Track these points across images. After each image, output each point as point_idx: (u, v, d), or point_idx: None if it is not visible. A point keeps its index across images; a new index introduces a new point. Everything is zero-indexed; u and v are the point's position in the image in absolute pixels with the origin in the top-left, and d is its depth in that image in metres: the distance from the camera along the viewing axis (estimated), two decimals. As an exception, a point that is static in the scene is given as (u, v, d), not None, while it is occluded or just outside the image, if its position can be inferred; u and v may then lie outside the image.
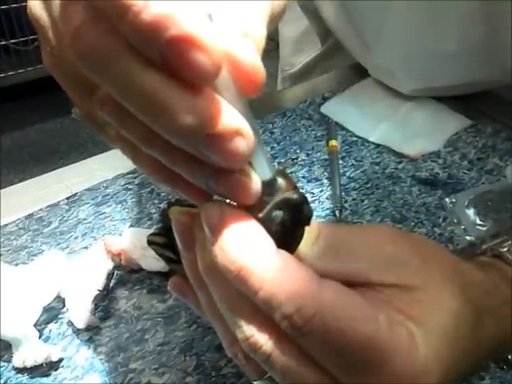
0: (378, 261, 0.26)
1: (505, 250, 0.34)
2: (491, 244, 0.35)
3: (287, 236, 0.25)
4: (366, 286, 0.26)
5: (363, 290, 0.26)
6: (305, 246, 0.26)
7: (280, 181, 0.24)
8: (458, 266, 0.29)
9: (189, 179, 0.24)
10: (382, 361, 0.24)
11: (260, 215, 0.24)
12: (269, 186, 0.24)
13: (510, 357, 0.36)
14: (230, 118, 0.20)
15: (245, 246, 0.23)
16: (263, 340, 0.25)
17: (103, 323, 0.43)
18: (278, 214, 0.24)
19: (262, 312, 0.24)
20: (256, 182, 0.23)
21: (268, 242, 0.24)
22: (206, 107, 0.20)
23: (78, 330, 0.42)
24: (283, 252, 0.24)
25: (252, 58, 0.20)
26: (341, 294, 0.24)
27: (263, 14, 0.23)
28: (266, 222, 0.24)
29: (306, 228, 0.26)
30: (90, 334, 0.43)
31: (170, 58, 0.18)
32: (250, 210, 0.24)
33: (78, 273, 0.44)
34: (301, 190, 0.25)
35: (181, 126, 0.19)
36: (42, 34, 0.25)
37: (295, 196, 0.24)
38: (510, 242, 0.34)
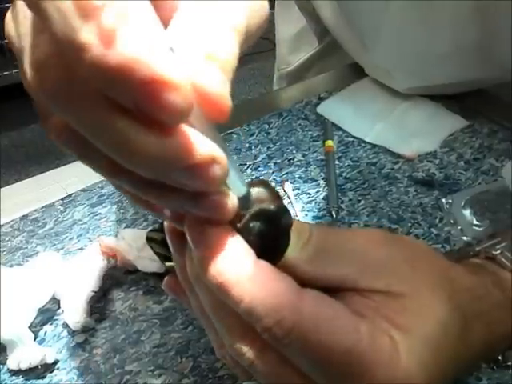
0: (367, 267, 0.26)
1: (498, 252, 0.34)
2: (485, 246, 0.35)
3: (268, 245, 0.25)
4: (354, 291, 0.26)
5: (351, 295, 0.26)
6: (294, 250, 0.26)
7: (259, 191, 0.25)
8: (449, 271, 0.29)
9: (162, 205, 0.24)
10: (362, 372, 0.24)
11: (238, 225, 0.24)
12: (246, 199, 0.24)
13: (499, 357, 0.36)
14: (204, 147, 0.19)
15: (225, 260, 0.23)
16: (245, 349, 0.25)
17: (99, 325, 0.43)
18: (255, 224, 0.24)
19: (245, 321, 0.24)
20: (232, 198, 0.23)
21: (247, 254, 0.24)
22: (180, 144, 0.19)
23: (74, 331, 0.42)
24: (263, 263, 0.24)
25: (217, 87, 0.19)
26: (320, 306, 0.24)
27: (235, 29, 0.21)
28: (244, 233, 0.24)
29: (296, 231, 0.26)
30: (86, 335, 0.42)
31: (141, 102, 0.17)
32: (230, 222, 0.24)
33: (74, 274, 0.44)
34: (283, 201, 0.25)
35: (156, 165, 0.19)
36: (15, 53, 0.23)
37: (271, 207, 0.24)
38: (503, 245, 0.34)
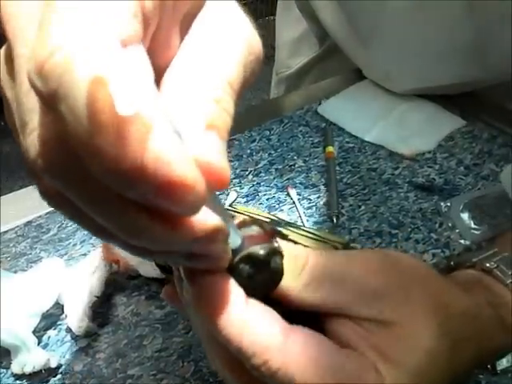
0: (360, 295, 0.27)
1: (494, 266, 0.34)
2: (481, 257, 0.35)
3: (259, 283, 0.25)
4: (348, 318, 0.27)
5: (345, 322, 0.27)
6: (290, 277, 0.26)
7: (251, 229, 0.25)
8: (443, 296, 0.29)
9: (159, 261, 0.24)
10: None
11: (230, 265, 0.25)
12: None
13: (489, 366, 0.36)
14: (210, 222, 0.20)
15: (215, 303, 0.24)
16: (234, 380, 0.26)
17: (101, 330, 0.44)
18: (244, 267, 0.25)
19: (234, 355, 0.25)
20: (228, 250, 0.24)
21: (237, 296, 0.25)
22: (188, 224, 0.19)
23: (77, 336, 0.43)
24: (254, 304, 0.25)
25: (218, 160, 0.19)
26: (307, 347, 0.25)
27: (231, 86, 0.20)
28: (235, 274, 0.25)
29: (292, 257, 0.27)
30: (89, 340, 0.43)
31: (157, 201, 0.17)
32: None
33: (77, 279, 0.44)
34: (274, 241, 0.26)
35: (163, 244, 0.19)
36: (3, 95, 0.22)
37: (260, 251, 0.25)
38: (499, 257, 0.34)
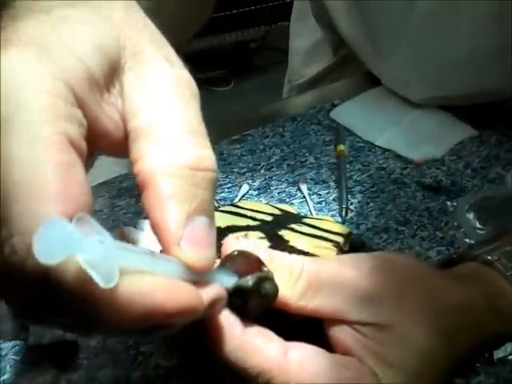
0: (355, 300, 0.28)
1: (495, 258, 0.35)
2: (483, 250, 0.36)
3: (253, 309, 0.27)
4: (345, 323, 0.28)
5: (343, 328, 0.28)
6: (286, 287, 0.28)
7: (240, 262, 0.27)
8: (436, 293, 0.30)
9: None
10: None
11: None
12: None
13: (486, 355, 0.37)
14: (208, 297, 0.23)
15: (216, 336, 0.26)
16: None
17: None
18: (236, 300, 0.26)
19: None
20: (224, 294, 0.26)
21: (233, 325, 0.27)
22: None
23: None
24: (251, 329, 0.27)
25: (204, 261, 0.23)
26: (305, 362, 0.27)
27: (200, 137, 0.24)
28: (229, 306, 0.27)
29: (288, 268, 0.28)
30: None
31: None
32: None
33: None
34: (263, 269, 0.27)
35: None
36: None
37: (248, 283, 0.26)
38: (502, 250, 0.35)
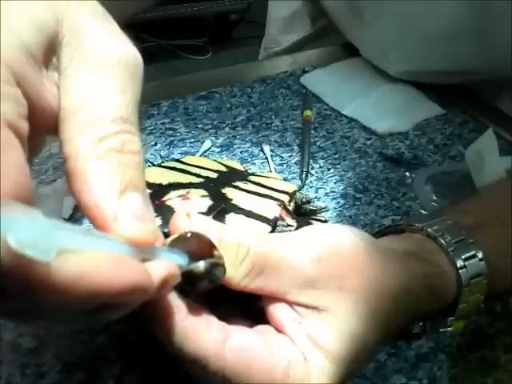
0: (297, 282, 0.29)
1: (439, 234, 0.34)
2: (428, 223, 0.35)
3: (202, 291, 0.27)
4: (287, 303, 0.29)
5: (285, 307, 0.29)
6: (232, 267, 0.28)
7: (194, 243, 0.26)
8: (377, 281, 0.30)
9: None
10: None
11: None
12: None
13: (414, 330, 0.37)
14: (159, 276, 0.23)
15: (161, 318, 0.26)
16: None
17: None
18: (186, 283, 0.26)
19: None
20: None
21: (179, 309, 0.27)
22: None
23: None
24: (195, 314, 0.27)
25: (141, 229, 0.23)
26: (241, 351, 0.27)
27: (127, 122, 0.24)
28: (177, 289, 0.26)
29: (233, 250, 0.28)
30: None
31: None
32: None
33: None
34: (215, 254, 0.27)
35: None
36: None
37: (201, 268, 0.26)
38: (445, 225, 0.35)
